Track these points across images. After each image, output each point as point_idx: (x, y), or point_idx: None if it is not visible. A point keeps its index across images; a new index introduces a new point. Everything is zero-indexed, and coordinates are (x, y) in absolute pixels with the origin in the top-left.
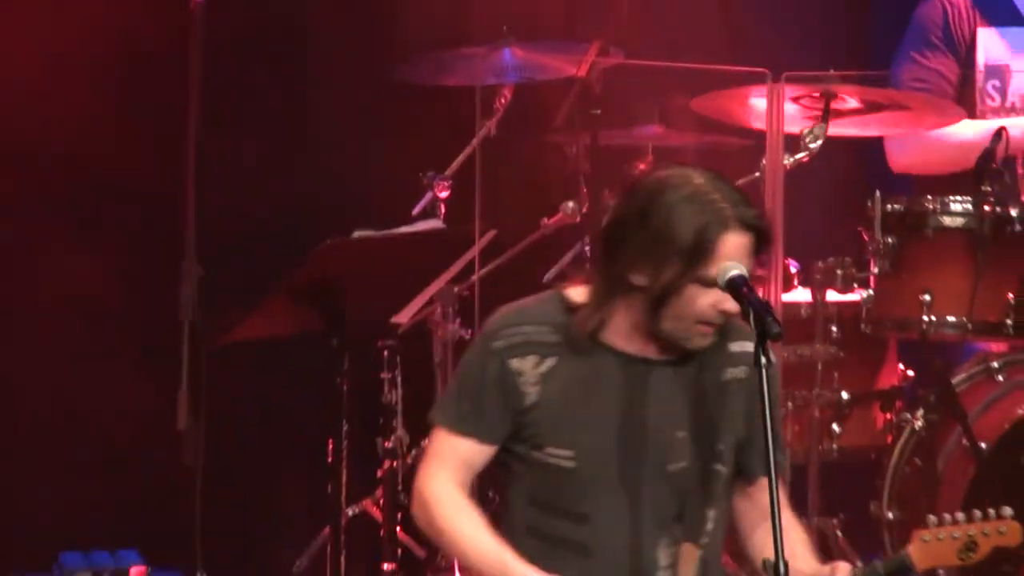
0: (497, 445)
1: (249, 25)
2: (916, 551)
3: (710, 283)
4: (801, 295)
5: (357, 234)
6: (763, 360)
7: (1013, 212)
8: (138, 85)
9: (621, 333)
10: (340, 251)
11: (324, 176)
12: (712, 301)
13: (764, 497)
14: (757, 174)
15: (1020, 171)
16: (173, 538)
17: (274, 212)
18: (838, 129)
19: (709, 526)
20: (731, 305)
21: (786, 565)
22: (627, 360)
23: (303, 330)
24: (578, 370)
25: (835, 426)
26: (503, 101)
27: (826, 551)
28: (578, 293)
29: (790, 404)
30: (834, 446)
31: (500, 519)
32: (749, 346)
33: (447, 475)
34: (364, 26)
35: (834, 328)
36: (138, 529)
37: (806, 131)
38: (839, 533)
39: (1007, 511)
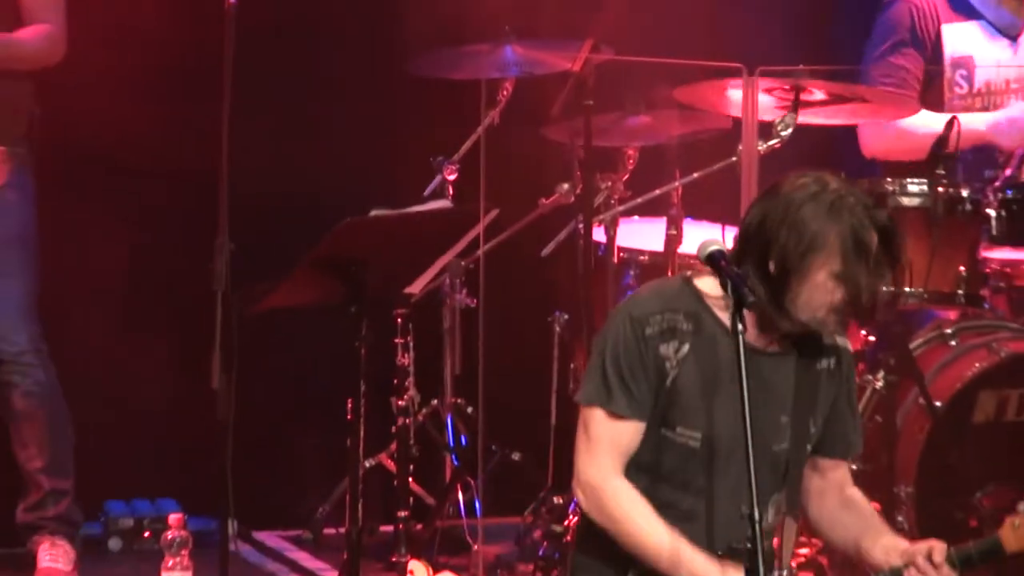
0: (646, 422)
1: (279, 24)
2: (1007, 535)
3: (860, 288)
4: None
5: (374, 213)
6: (740, 327)
7: (964, 193)
8: (177, 78)
9: (769, 327)
10: (359, 228)
11: (344, 161)
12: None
13: (836, 475)
14: (734, 158)
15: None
16: (207, 488)
17: (299, 193)
18: (807, 119)
19: (788, 487)
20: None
21: None
22: (746, 351)
23: (325, 300)
24: (707, 357)
25: None
26: (505, 93)
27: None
28: (705, 284)
29: None
30: None
31: None
32: (841, 340)
33: (614, 463)
34: (382, 24)
35: None
36: (176, 480)
37: (778, 120)
38: None
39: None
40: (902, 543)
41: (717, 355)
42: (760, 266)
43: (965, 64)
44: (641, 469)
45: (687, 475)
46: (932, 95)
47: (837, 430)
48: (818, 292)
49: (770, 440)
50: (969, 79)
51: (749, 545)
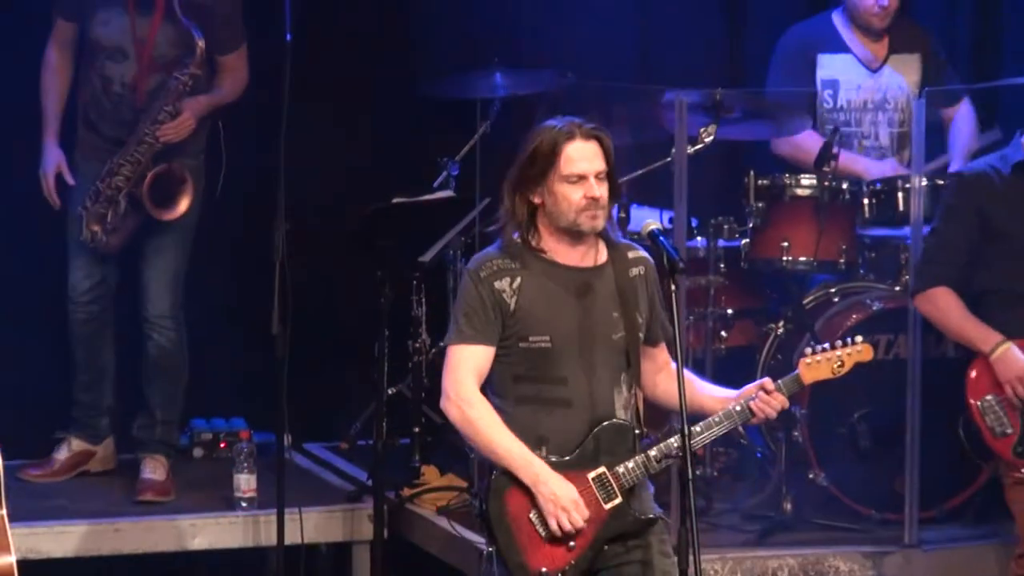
0: (496, 347)
1: (325, 52)
2: (804, 370)
3: (573, 179)
4: (699, 242)
5: (396, 200)
6: (673, 287)
7: (844, 185)
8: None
9: (556, 250)
10: (384, 212)
11: (374, 161)
12: (582, 191)
13: (663, 356)
14: (669, 159)
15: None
16: (268, 409)
17: (338, 185)
18: (724, 135)
19: (630, 367)
20: (597, 190)
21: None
22: (566, 269)
23: (358, 266)
24: (539, 283)
25: (723, 332)
26: (495, 108)
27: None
28: (515, 232)
29: (691, 317)
30: (722, 346)
31: (490, 399)
32: (640, 252)
33: (472, 380)
34: (400, 53)
35: (722, 265)
36: (245, 404)
37: (702, 129)
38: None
39: (859, 338)
40: (726, 391)
41: (548, 280)
42: (525, 198)
43: (833, 85)
44: (518, 378)
45: (550, 370)
46: (810, 107)
47: (656, 320)
48: (561, 200)
49: (609, 332)
50: (835, 97)
51: (680, 454)
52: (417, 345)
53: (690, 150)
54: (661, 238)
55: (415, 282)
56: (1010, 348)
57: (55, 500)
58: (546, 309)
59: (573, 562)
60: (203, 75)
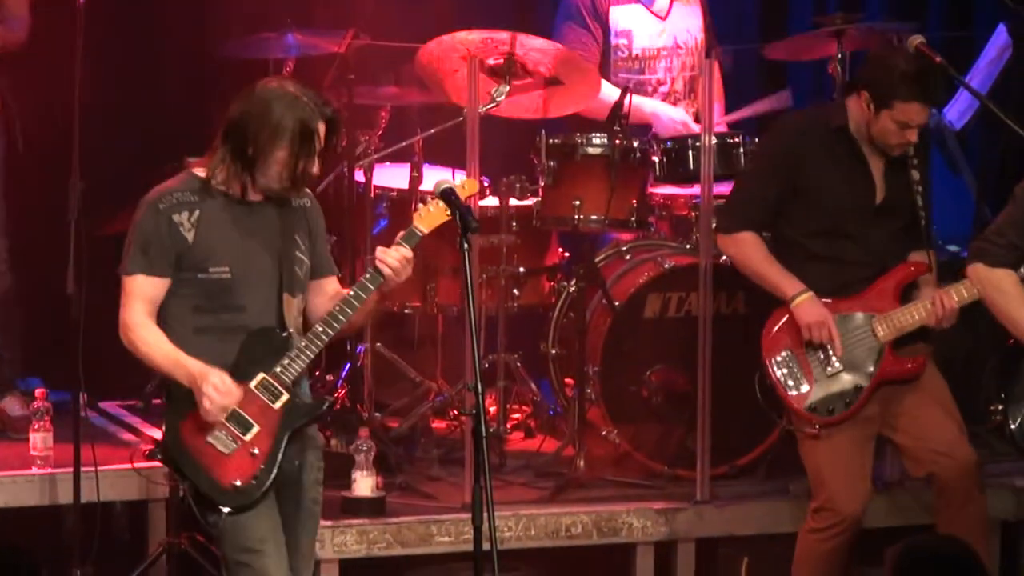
0: (171, 278)
1: (118, 15)
2: (419, 221)
3: (311, 154)
4: (491, 201)
5: (189, 160)
6: (466, 245)
7: (635, 144)
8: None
9: (233, 187)
10: (178, 171)
11: (171, 117)
12: (303, 166)
13: (329, 286)
14: (460, 119)
15: None
16: (64, 369)
17: (133, 145)
18: (515, 105)
19: (300, 291)
20: (311, 166)
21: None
22: (242, 203)
23: None
24: (218, 216)
25: (515, 291)
26: (288, 70)
27: (509, 377)
28: (200, 170)
29: (484, 276)
30: (515, 304)
31: (173, 333)
32: (307, 198)
33: (142, 308)
34: (194, 13)
35: (514, 223)
36: (40, 364)
37: (493, 90)
38: (519, 364)
39: (463, 175)
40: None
41: (224, 213)
42: (240, 149)
43: (626, 35)
44: (198, 309)
45: (230, 300)
46: (603, 59)
47: (322, 253)
48: (276, 166)
49: (280, 260)
50: (628, 47)
51: (475, 412)
52: None
53: (482, 109)
54: (453, 197)
55: None
56: (811, 296)
57: None
58: (223, 240)
59: (263, 466)
60: None
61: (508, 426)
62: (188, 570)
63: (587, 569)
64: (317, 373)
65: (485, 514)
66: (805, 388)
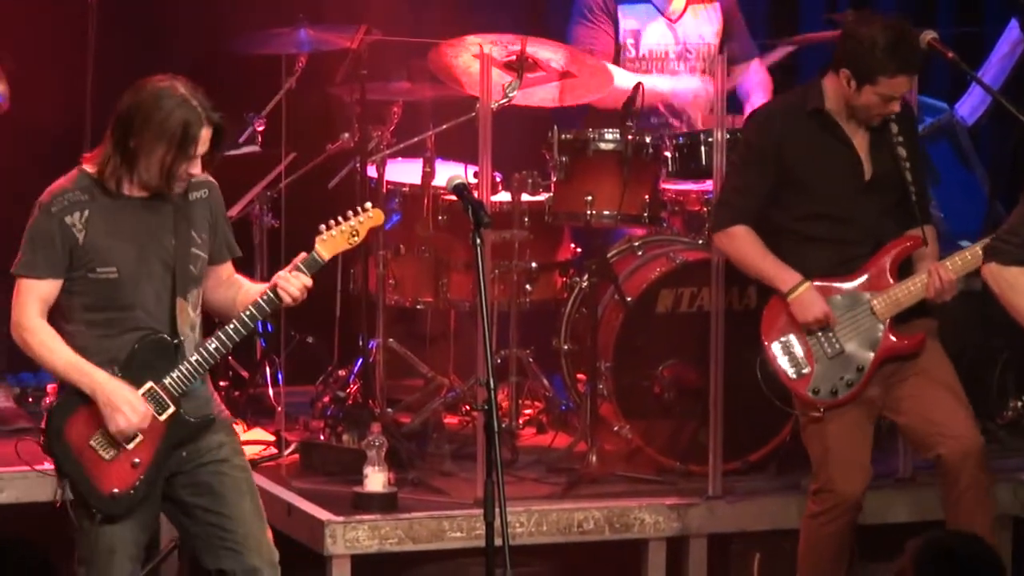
0: (63, 279)
1: (128, 11)
2: (321, 247)
3: (190, 156)
4: (503, 196)
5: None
6: (478, 241)
7: (648, 139)
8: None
9: (123, 184)
10: None
11: None
12: (186, 167)
13: (224, 272)
14: (473, 114)
15: None
16: None
17: None
18: (529, 95)
19: (195, 288)
20: (197, 168)
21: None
22: (129, 199)
23: None
24: (104, 214)
25: (528, 286)
26: (300, 65)
27: (521, 372)
28: (91, 167)
29: (496, 271)
30: (527, 300)
31: (63, 330)
32: (206, 176)
33: (35, 308)
34: (207, 10)
35: (526, 219)
36: None
37: (506, 84)
38: (531, 359)
39: (368, 204)
40: (258, 286)
41: (113, 212)
42: (123, 142)
43: (634, 36)
44: (87, 307)
45: (118, 299)
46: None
47: (221, 242)
48: (155, 164)
49: (171, 256)
50: (636, 47)
51: (487, 407)
52: None
53: (494, 104)
54: (465, 192)
55: None
56: (809, 287)
57: None
58: (111, 240)
59: (143, 477)
60: None
61: (520, 422)
62: (198, 565)
63: (599, 565)
64: (329, 369)
65: (497, 510)
66: (807, 371)
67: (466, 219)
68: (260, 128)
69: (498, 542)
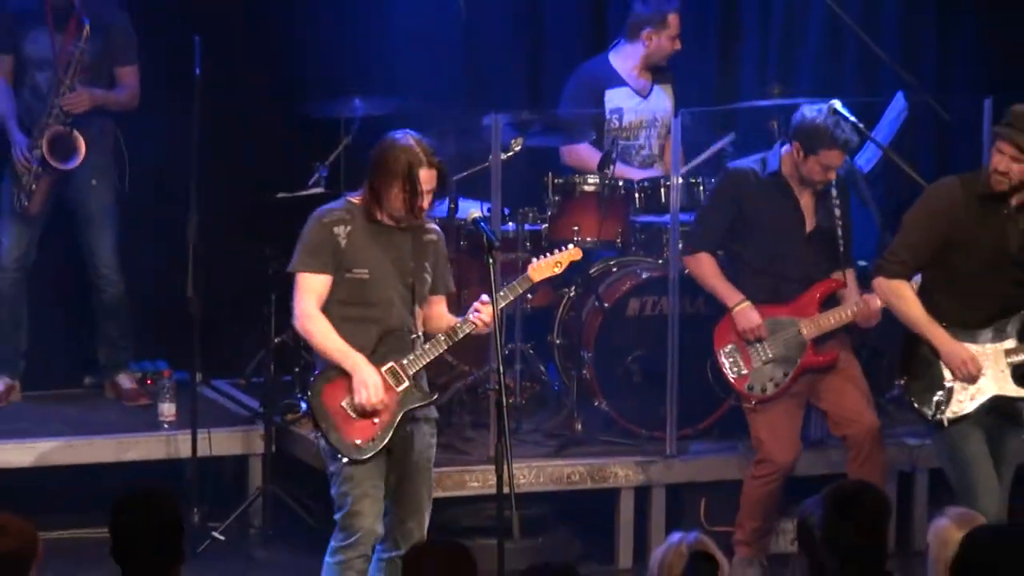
0: (332, 275)
1: (222, 81)
2: (532, 271)
3: (418, 192)
4: (510, 226)
5: (280, 195)
6: (490, 260)
7: (620, 183)
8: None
9: (379, 213)
10: (271, 203)
11: (259, 165)
12: (417, 202)
13: (436, 305)
14: (487, 164)
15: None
16: (184, 355)
17: (233, 185)
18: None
19: (423, 302)
20: (425, 201)
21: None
22: (383, 226)
23: (253, 243)
24: (363, 231)
25: (529, 296)
26: (355, 125)
27: (524, 361)
28: (354, 197)
29: (505, 284)
30: (529, 306)
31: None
32: (436, 228)
33: (312, 299)
34: (285, 81)
35: (528, 244)
36: (167, 349)
37: (512, 140)
38: (531, 351)
39: (571, 245)
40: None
41: (370, 231)
42: (371, 181)
43: (618, 113)
44: (343, 301)
45: (366, 297)
46: (599, 128)
47: (439, 278)
48: (395, 198)
49: (408, 273)
50: (620, 120)
51: (498, 390)
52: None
53: (504, 155)
54: (482, 223)
55: None
56: (749, 305)
57: (16, 424)
58: (366, 251)
59: (379, 433)
60: (104, 83)
61: (523, 398)
62: (278, 509)
63: (583, 507)
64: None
65: (505, 465)
66: (745, 372)
67: (482, 244)
68: (324, 174)
69: (506, 490)
